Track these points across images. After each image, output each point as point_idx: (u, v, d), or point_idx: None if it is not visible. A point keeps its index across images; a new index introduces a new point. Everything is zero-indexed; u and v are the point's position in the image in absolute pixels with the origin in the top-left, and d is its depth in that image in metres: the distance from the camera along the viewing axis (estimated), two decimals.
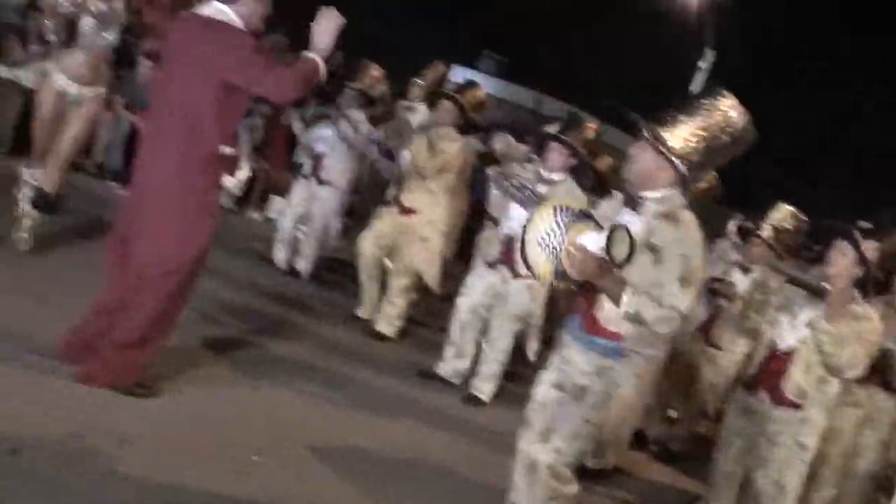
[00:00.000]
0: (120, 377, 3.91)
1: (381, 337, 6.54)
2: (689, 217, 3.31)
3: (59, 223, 5.83)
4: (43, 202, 5.33)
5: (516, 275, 5.59)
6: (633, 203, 3.35)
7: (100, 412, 3.74)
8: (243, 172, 8.99)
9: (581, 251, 3.03)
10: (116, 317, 3.92)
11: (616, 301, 3.16)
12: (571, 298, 3.51)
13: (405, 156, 6.75)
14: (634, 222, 3.23)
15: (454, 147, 6.47)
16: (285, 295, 6.86)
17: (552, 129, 5.96)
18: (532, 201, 5.22)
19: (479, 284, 5.84)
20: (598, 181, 7.10)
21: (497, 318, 5.75)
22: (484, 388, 5.80)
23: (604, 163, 7.83)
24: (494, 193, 5.79)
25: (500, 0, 20.72)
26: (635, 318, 3.16)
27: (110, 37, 5.30)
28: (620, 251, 3.00)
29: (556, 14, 20.61)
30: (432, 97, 6.77)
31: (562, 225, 3.08)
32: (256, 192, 9.50)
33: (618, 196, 3.56)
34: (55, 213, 5.48)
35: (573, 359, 3.40)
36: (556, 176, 5.57)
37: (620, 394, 3.35)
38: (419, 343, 6.77)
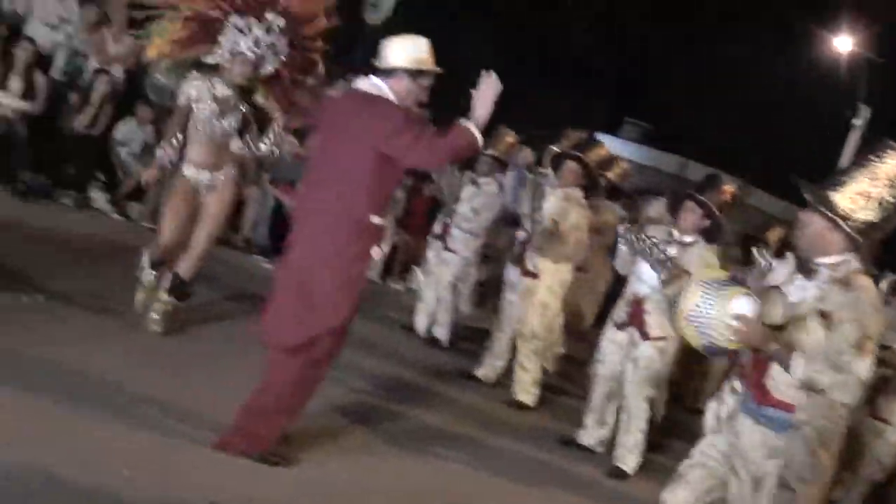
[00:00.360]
0: (255, 444, 3.95)
1: (521, 406, 6.44)
2: (864, 282, 3.17)
3: (207, 297, 6.06)
4: (178, 289, 5.31)
5: (646, 336, 5.45)
6: (806, 270, 3.24)
7: (234, 479, 3.78)
8: (385, 244, 9.16)
9: (738, 318, 3.01)
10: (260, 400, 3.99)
11: (786, 367, 3.07)
12: (740, 369, 3.36)
13: (530, 219, 6.71)
14: (808, 288, 3.18)
15: (578, 211, 6.40)
16: (425, 363, 6.86)
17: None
18: (662, 262, 5.16)
19: (610, 349, 5.70)
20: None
21: (629, 383, 5.57)
22: (627, 459, 5.59)
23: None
24: (622, 251, 5.67)
25: (641, 67, 20.66)
26: (809, 384, 3.04)
27: (228, 123, 5.24)
28: (775, 312, 2.99)
29: (699, 78, 20.34)
30: (556, 159, 6.74)
31: (710, 297, 3.09)
32: (398, 263, 9.63)
33: (791, 260, 3.43)
34: (188, 299, 5.44)
35: (743, 433, 3.26)
36: (687, 238, 5.42)
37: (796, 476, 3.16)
38: (559, 410, 6.64)
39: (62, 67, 8.49)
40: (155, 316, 5.22)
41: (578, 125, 9.01)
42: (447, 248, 7.52)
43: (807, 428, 3.14)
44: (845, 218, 3.12)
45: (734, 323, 3.02)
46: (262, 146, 5.36)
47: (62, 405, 3.87)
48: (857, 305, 3.09)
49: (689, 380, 7.80)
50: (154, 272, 5.34)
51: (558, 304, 6.51)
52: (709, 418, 3.43)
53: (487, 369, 6.82)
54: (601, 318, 7.02)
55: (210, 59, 5.23)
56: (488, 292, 8.34)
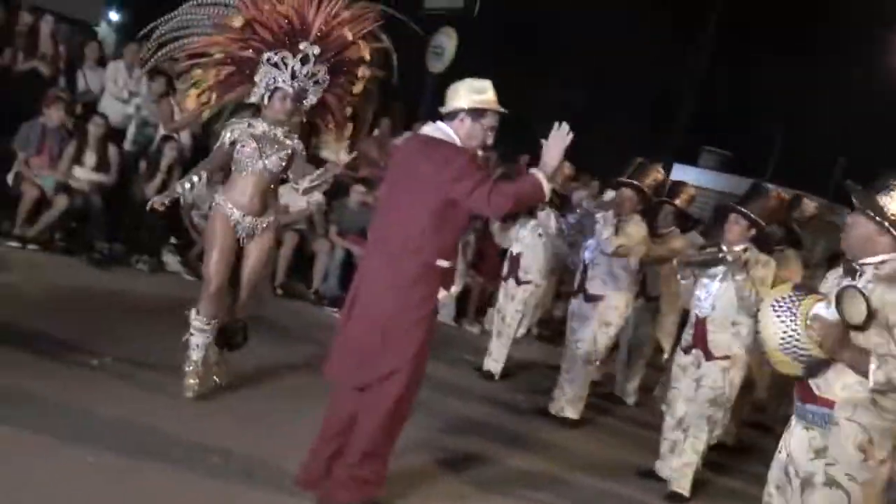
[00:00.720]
0: (365, 491, 3.97)
1: (569, 423, 6.45)
2: None
3: (278, 349, 6.14)
4: (229, 339, 5.20)
5: (709, 356, 5.33)
6: (851, 271, 3.28)
7: None
8: (455, 287, 9.11)
9: (816, 321, 3.02)
10: (347, 436, 4.01)
11: (863, 371, 3.06)
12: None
13: (589, 245, 6.65)
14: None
15: (638, 232, 6.37)
16: (500, 402, 6.79)
17: None
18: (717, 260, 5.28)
19: (679, 374, 5.53)
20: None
21: (691, 402, 5.43)
22: (682, 482, 5.43)
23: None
24: (683, 284, 5.63)
25: (716, 95, 20.36)
26: (888, 387, 3.05)
27: (271, 161, 4.98)
28: (857, 311, 2.98)
29: (774, 99, 19.93)
30: (615, 187, 6.66)
31: (790, 316, 3.08)
32: (472, 306, 9.57)
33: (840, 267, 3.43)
34: (243, 345, 5.32)
35: (793, 437, 3.31)
36: (736, 248, 5.33)
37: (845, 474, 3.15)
38: (638, 441, 6.56)
39: (132, 138, 8.80)
40: (191, 381, 5.00)
41: (654, 155, 8.90)
42: (518, 283, 7.47)
43: (852, 425, 3.12)
44: (890, 220, 3.16)
45: (814, 327, 3.03)
46: (305, 183, 5.05)
47: (132, 460, 3.99)
48: None
49: (775, 402, 7.51)
50: (200, 338, 5.03)
51: (620, 322, 6.55)
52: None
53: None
54: None
55: (251, 100, 5.12)
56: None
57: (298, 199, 8.73)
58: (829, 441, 3.15)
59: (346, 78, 5.25)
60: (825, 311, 3.03)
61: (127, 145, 8.77)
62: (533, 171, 3.87)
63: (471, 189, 3.73)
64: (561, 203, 7.49)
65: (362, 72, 5.24)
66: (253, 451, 4.37)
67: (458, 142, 3.92)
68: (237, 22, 5.00)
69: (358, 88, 5.28)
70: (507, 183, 3.86)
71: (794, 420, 3.34)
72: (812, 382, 3.19)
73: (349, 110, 5.36)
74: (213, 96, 5.18)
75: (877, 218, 3.18)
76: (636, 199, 6.41)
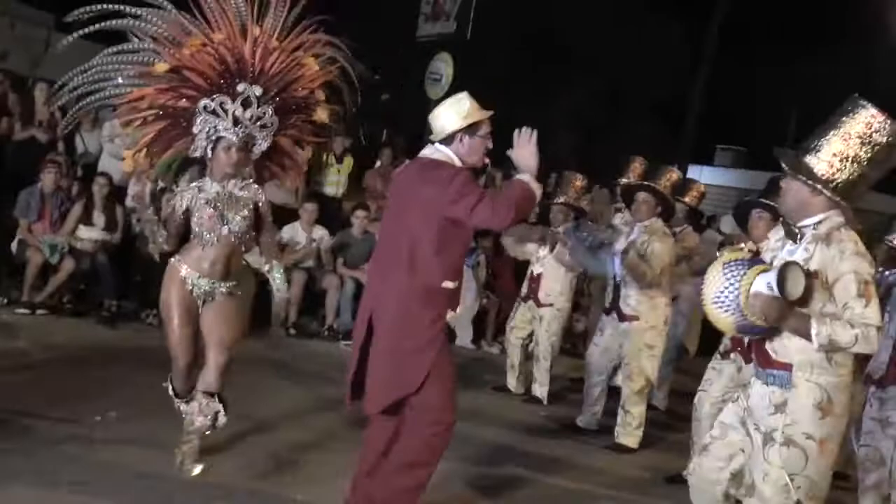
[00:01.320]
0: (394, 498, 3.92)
1: (624, 449, 6.15)
2: (846, 234, 3.27)
3: (300, 391, 6.09)
4: (216, 417, 4.55)
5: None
6: (791, 234, 3.37)
7: None
8: (462, 308, 9.00)
9: (757, 297, 3.10)
10: (381, 465, 3.98)
11: (806, 336, 3.16)
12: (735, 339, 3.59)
13: (616, 261, 6.42)
14: (795, 252, 3.29)
15: (664, 247, 6.14)
16: (527, 422, 6.69)
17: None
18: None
19: (716, 378, 5.33)
20: None
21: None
22: None
23: None
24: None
25: (725, 92, 20.19)
26: (831, 347, 3.15)
27: (236, 225, 4.40)
28: (795, 287, 3.06)
29: (785, 89, 19.73)
30: (626, 191, 6.49)
31: (732, 278, 3.16)
32: (490, 326, 9.45)
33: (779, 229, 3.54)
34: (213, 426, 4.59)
35: (753, 394, 3.41)
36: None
37: (802, 433, 3.27)
38: (663, 446, 6.44)
39: (133, 193, 8.81)
40: (186, 451, 4.50)
41: (668, 159, 8.76)
42: (539, 304, 7.32)
43: (809, 385, 3.24)
44: (827, 182, 3.21)
45: (753, 301, 3.13)
46: (275, 272, 4.58)
47: None
48: (844, 258, 3.18)
49: None
50: (190, 407, 4.55)
51: (663, 342, 6.31)
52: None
53: (588, 417, 6.57)
54: (704, 348, 6.73)
55: (194, 154, 4.46)
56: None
57: (302, 235, 8.72)
58: (789, 401, 3.26)
59: (297, 116, 4.68)
60: (765, 286, 3.10)
61: (128, 201, 8.77)
62: (517, 176, 3.86)
63: (472, 205, 3.71)
64: (577, 216, 7.37)
65: (316, 99, 4.69)
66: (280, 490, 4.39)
67: (457, 162, 3.91)
68: (161, 68, 4.40)
69: (322, 118, 4.73)
70: (503, 194, 3.83)
71: (752, 378, 3.47)
72: (769, 347, 3.31)
73: (308, 149, 4.81)
74: (148, 155, 4.53)
75: (808, 181, 3.25)
76: (653, 201, 6.21)
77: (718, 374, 5.30)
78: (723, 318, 3.23)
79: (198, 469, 4.42)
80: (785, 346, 3.27)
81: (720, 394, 5.22)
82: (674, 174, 6.73)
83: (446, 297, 3.90)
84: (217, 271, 4.43)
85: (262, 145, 4.53)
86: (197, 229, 4.40)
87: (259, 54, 4.48)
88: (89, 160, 9.19)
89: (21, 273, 7.82)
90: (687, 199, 7.50)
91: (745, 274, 3.15)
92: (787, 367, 3.28)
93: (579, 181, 7.58)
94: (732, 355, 5.19)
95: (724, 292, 3.16)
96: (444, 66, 13.80)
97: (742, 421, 3.42)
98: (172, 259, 4.48)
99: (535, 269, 7.42)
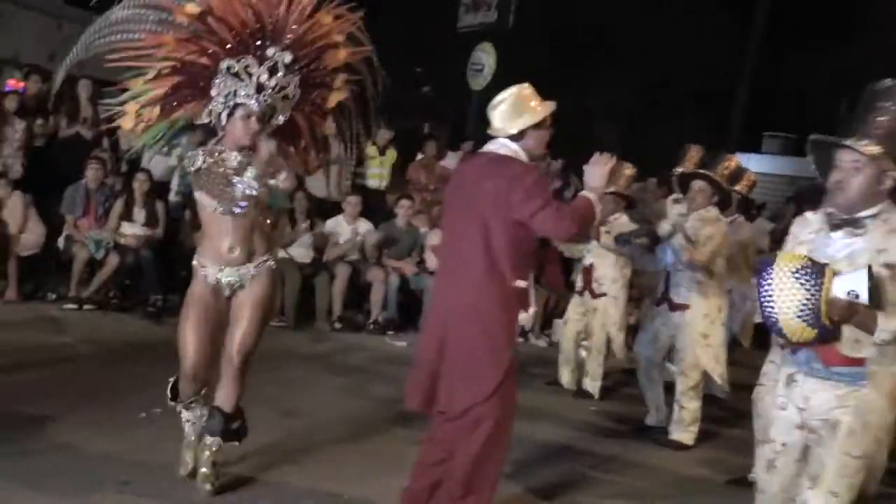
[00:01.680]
0: None
1: (679, 446, 5.95)
2: None
3: (349, 386, 6.05)
4: (227, 431, 4.11)
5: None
6: (844, 224, 3.15)
7: None
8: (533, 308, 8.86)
9: (835, 304, 2.96)
10: (446, 466, 3.88)
11: (870, 331, 3.02)
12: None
13: (668, 249, 6.22)
14: (855, 244, 3.11)
15: (716, 230, 5.91)
16: (578, 419, 6.52)
17: None
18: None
19: (774, 371, 5.13)
20: None
21: None
22: None
23: None
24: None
25: (771, 78, 19.79)
26: (894, 339, 3.02)
27: (249, 189, 3.88)
28: (877, 291, 2.95)
29: (837, 74, 19.26)
30: (682, 180, 6.28)
31: (811, 287, 2.97)
32: (537, 319, 9.29)
33: (812, 219, 3.31)
34: (244, 435, 4.26)
35: (812, 396, 3.21)
36: None
37: (873, 420, 3.16)
38: (723, 444, 6.18)
39: (176, 188, 8.82)
40: (205, 470, 4.08)
41: (715, 147, 8.53)
42: (595, 295, 7.17)
43: (885, 373, 3.12)
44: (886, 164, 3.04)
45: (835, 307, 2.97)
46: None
47: None
48: None
49: None
50: (189, 414, 4.23)
51: (719, 331, 6.04)
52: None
53: (653, 414, 6.39)
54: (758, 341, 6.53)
55: (202, 119, 4.03)
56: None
57: (345, 228, 8.65)
58: (860, 391, 3.12)
59: (318, 92, 4.27)
60: (842, 292, 2.96)
61: (172, 196, 8.78)
62: (585, 193, 3.85)
63: (536, 210, 3.66)
64: (627, 205, 7.20)
65: (339, 83, 4.26)
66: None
67: (524, 157, 3.84)
68: (190, 9, 3.90)
69: (332, 102, 4.32)
70: (567, 207, 3.82)
71: (799, 376, 3.25)
72: (837, 346, 3.12)
73: (321, 131, 4.44)
74: (156, 113, 4.01)
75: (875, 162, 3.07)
76: (709, 190, 5.99)
77: (777, 368, 5.11)
78: (808, 332, 3.03)
79: (207, 487, 4.05)
80: (859, 342, 3.10)
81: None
82: (732, 162, 6.52)
83: (519, 296, 3.81)
84: (237, 256, 4.01)
85: (279, 118, 4.09)
86: (209, 203, 3.92)
87: (296, 18, 4.05)
88: (133, 156, 9.18)
89: (68, 269, 7.85)
90: (738, 188, 7.28)
91: (821, 282, 2.96)
92: (860, 362, 3.12)
93: (629, 170, 7.41)
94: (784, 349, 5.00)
95: (808, 304, 2.96)
96: (485, 56, 13.67)
97: (801, 424, 3.25)
98: (194, 260, 4.15)
99: (587, 260, 7.26)
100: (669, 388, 6.31)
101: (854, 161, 3.07)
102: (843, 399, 3.14)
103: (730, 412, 6.91)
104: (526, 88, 3.86)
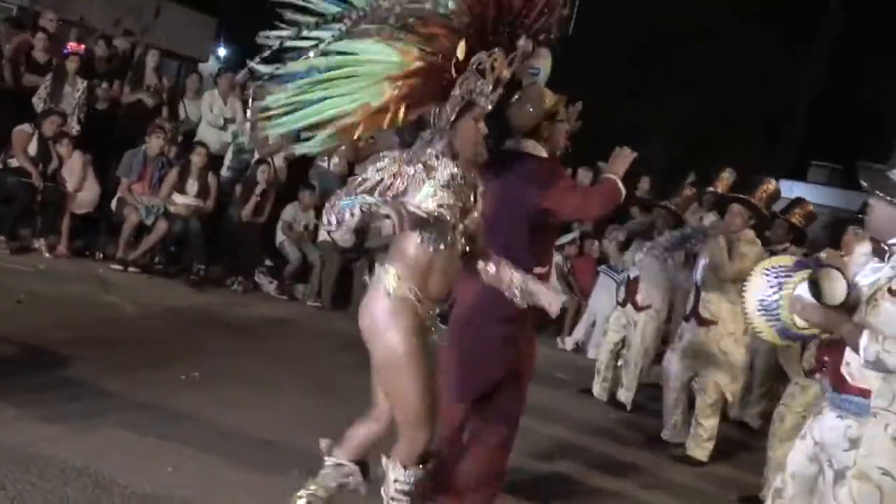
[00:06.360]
0: None
1: (694, 462, 6.04)
2: None
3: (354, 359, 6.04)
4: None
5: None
6: (880, 252, 3.16)
7: None
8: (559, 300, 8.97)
9: (797, 301, 2.96)
10: (454, 448, 3.95)
11: (854, 348, 2.93)
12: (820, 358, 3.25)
13: (702, 264, 6.32)
14: (881, 269, 3.06)
15: (753, 250, 5.99)
16: (605, 427, 6.64)
17: None
18: None
19: (799, 393, 5.23)
20: None
21: None
22: None
23: None
24: None
25: (823, 108, 19.68)
26: (876, 365, 2.89)
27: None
28: (832, 292, 2.91)
29: (891, 110, 19.10)
30: (720, 203, 6.38)
31: (775, 284, 3.03)
32: (567, 322, 9.43)
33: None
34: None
35: (826, 427, 3.10)
36: None
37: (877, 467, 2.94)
38: (739, 463, 6.26)
39: (229, 164, 9.05)
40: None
41: (764, 172, 8.56)
42: (638, 308, 7.24)
43: (888, 414, 2.94)
44: None
45: (794, 306, 2.97)
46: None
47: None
48: None
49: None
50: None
51: (743, 351, 6.11)
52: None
53: (669, 430, 6.47)
54: None
55: (435, 120, 3.20)
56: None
57: None
58: (865, 430, 2.97)
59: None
60: (805, 290, 2.96)
61: (224, 171, 9.01)
62: (606, 174, 3.97)
63: (562, 196, 3.81)
64: (675, 224, 7.24)
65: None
66: None
67: (542, 152, 3.97)
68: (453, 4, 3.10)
69: None
70: (591, 189, 4.03)
71: (826, 407, 3.14)
72: (845, 371, 3.04)
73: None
74: (398, 113, 3.13)
75: (893, 200, 3.02)
76: (746, 214, 6.05)
77: (802, 391, 5.21)
78: (766, 327, 3.08)
79: None
80: (862, 370, 2.99)
81: (803, 409, 5.12)
82: (770, 185, 6.57)
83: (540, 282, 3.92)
84: (445, 290, 3.23)
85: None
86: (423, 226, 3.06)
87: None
88: (189, 127, 9.45)
89: (118, 231, 8.11)
90: (794, 220, 7.28)
91: (788, 278, 3.01)
92: (865, 392, 3.01)
93: (688, 191, 7.49)
94: (817, 375, 5.07)
95: (768, 299, 3.03)
96: (542, 61, 13.71)
97: (813, 457, 3.15)
98: (399, 285, 3.09)
99: (632, 272, 7.35)
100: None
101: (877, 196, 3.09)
102: (853, 442, 3.01)
103: (744, 433, 7.00)
104: (535, 85, 4.01)
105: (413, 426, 3.09)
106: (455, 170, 3.12)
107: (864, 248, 3.46)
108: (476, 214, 3.24)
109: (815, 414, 3.21)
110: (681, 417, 6.39)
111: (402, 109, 3.11)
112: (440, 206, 3.05)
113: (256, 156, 8.85)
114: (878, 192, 3.05)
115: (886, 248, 3.13)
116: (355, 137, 3.26)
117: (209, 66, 17.55)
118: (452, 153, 3.15)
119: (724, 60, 18.65)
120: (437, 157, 3.12)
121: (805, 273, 3.01)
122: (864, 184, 3.11)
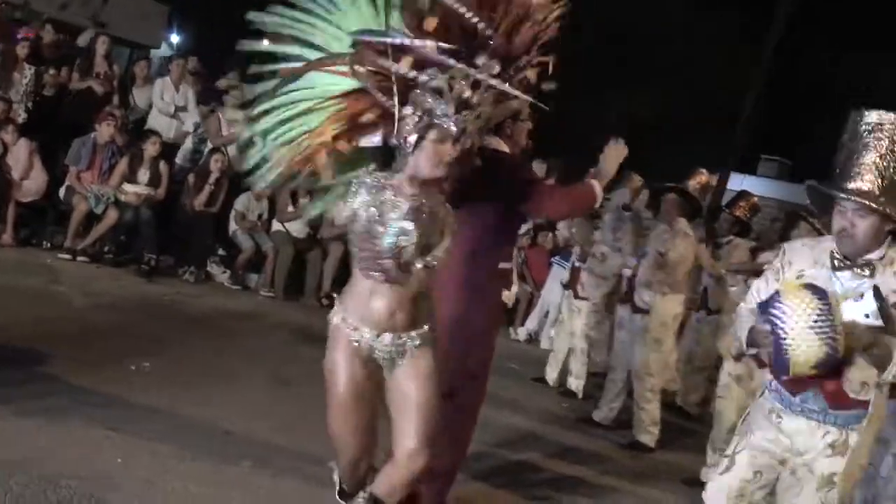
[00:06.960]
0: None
1: (641, 447, 6.17)
2: None
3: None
4: None
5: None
6: (851, 267, 3.02)
7: None
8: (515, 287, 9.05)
9: (856, 327, 2.88)
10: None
11: (881, 367, 2.93)
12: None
13: (643, 255, 6.48)
14: (865, 284, 2.97)
15: (683, 240, 6.16)
16: (560, 416, 6.75)
17: None
18: None
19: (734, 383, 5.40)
20: None
21: None
22: None
23: None
24: (732, 291, 5.77)
25: (771, 101, 19.98)
26: None
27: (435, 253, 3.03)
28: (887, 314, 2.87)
29: (840, 103, 19.46)
30: (654, 195, 6.52)
31: (825, 304, 2.84)
32: (519, 314, 9.51)
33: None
34: None
35: (796, 436, 3.07)
36: None
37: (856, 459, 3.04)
38: (681, 447, 6.46)
39: (188, 156, 8.96)
40: None
41: (712, 165, 8.70)
42: (577, 297, 7.39)
43: (875, 420, 3.03)
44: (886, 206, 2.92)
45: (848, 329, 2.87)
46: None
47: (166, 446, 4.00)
48: None
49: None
50: None
51: (672, 338, 6.35)
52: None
53: (604, 412, 6.61)
54: None
55: (370, 143, 3.08)
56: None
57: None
58: (851, 436, 3.02)
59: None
60: (860, 315, 2.89)
61: (179, 160, 8.91)
62: (591, 181, 3.96)
63: (529, 194, 3.83)
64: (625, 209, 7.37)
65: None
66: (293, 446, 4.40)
67: (505, 148, 3.98)
68: (429, 24, 2.99)
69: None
70: (565, 190, 3.98)
71: (784, 413, 3.08)
72: (848, 388, 3.00)
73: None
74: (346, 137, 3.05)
75: (886, 211, 2.96)
76: (679, 202, 6.23)
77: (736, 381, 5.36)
78: (815, 347, 2.82)
79: None
80: (866, 384, 2.99)
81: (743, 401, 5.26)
82: (703, 176, 6.75)
83: (504, 276, 4.02)
84: (398, 320, 3.03)
85: (466, 143, 3.06)
86: (368, 254, 2.97)
87: (512, 20, 3.11)
88: (138, 115, 9.32)
89: (66, 219, 7.99)
90: (738, 213, 7.42)
91: (833, 314, 2.82)
92: (865, 404, 3.00)
93: (637, 182, 7.61)
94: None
95: (822, 317, 2.81)
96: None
97: (780, 461, 3.12)
98: (335, 313, 3.07)
99: (576, 262, 7.48)
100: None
101: (856, 209, 2.95)
102: (836, 449, 3.02)
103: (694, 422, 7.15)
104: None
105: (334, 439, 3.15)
106: (417, 197, 2.96)
107: (806, 259, 3.18)
108: (440, 253, 3.01)
109: (771, 415, 3.13)
110: (619, 405, 6.57)
111: (348, 131, 3.04)
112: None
113: (209, 146, 8.76)
114: (870, 203, 2.91)
115: (862, 262, 3.00)
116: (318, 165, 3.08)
117: (161, 53, 17.31)
118: (417, 178, 2.97)
119: (680, 53, 18.84)
120: (394, 194, 2.95)
121: (841, 296, 2.92)
122: (859, 200, 2.93)
